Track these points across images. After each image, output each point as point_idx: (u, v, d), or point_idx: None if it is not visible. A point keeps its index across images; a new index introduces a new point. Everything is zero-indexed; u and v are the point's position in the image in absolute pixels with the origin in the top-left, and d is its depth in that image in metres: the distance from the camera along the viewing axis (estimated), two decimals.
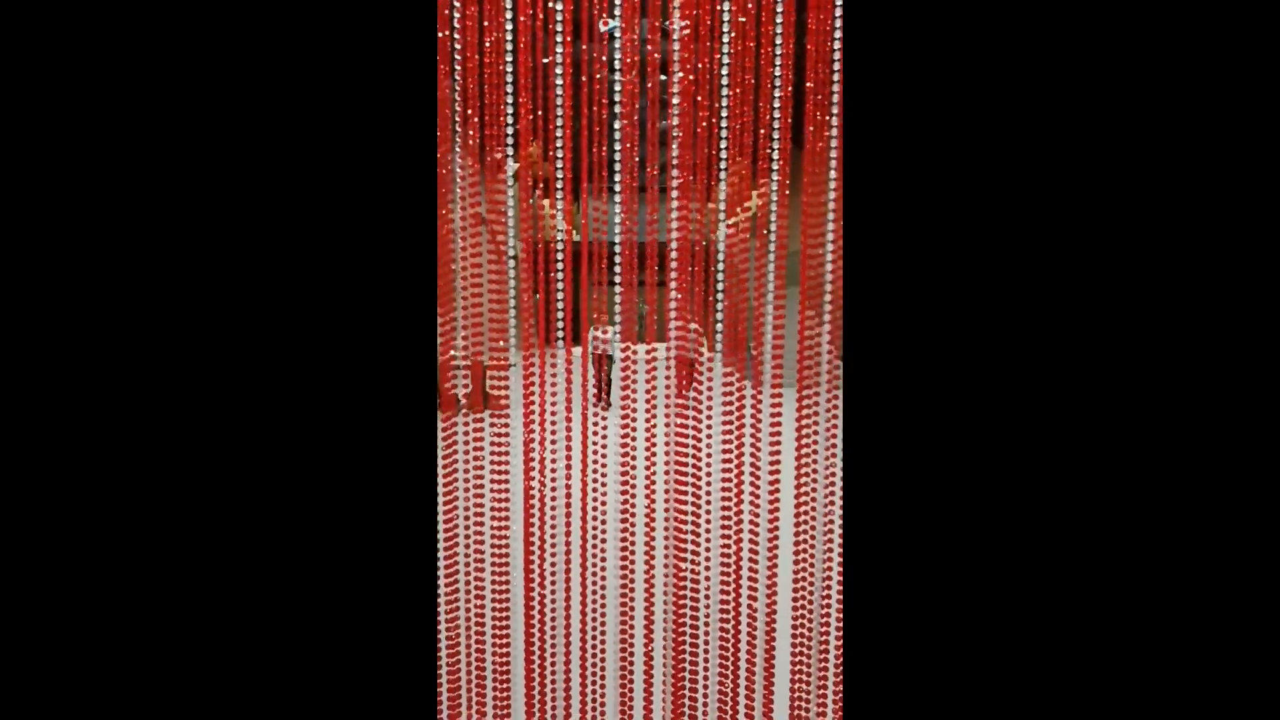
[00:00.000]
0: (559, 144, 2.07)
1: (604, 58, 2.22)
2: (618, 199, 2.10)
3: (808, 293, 2.24)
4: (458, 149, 2.16)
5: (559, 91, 2.09)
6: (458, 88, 2.11)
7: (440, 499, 2.22)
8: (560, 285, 2.14)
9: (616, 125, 2.13)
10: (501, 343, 2.17)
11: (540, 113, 2.16)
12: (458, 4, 2.10)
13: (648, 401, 2.28)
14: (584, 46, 2.22)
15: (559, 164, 2.24)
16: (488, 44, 2.12)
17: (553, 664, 2.33)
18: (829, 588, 2.32)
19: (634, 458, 2.30)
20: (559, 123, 2.09)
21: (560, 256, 2.19)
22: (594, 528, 2.38)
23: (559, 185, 2.18)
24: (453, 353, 2.09)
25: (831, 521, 2.25)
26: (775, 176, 2.16)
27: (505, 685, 2.29)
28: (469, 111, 2.15)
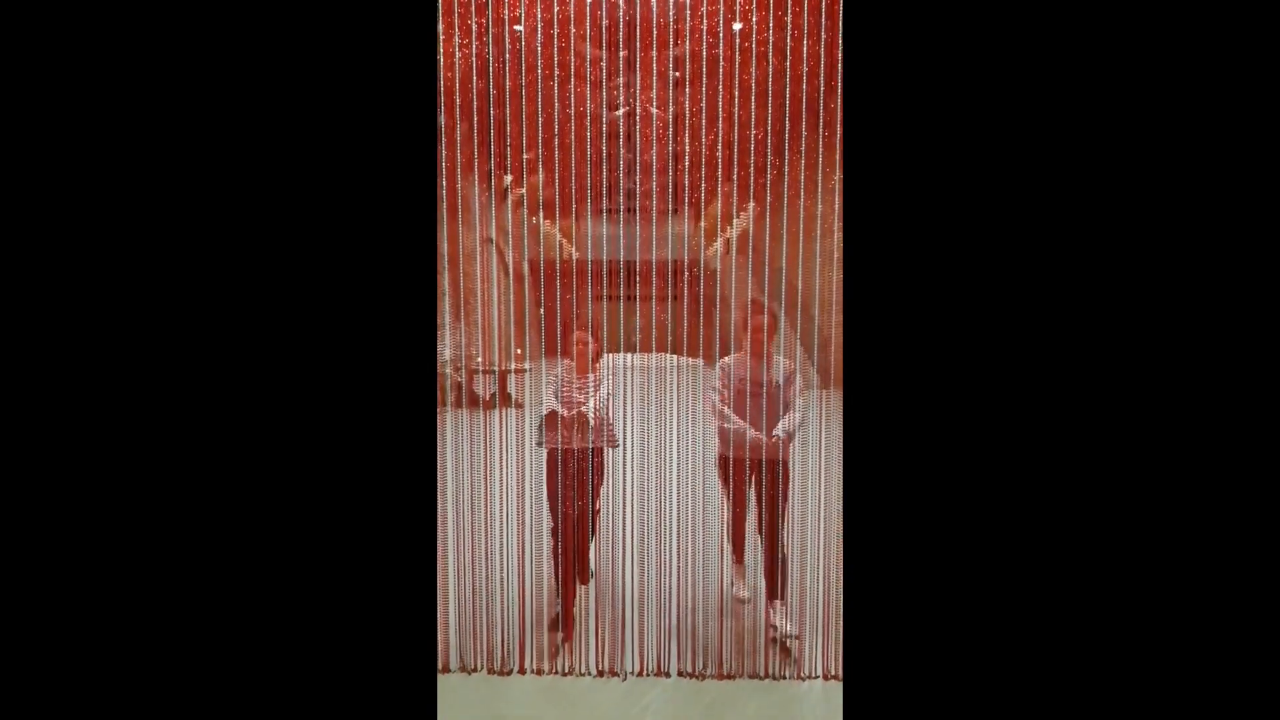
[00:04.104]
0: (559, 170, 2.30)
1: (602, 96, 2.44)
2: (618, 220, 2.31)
3: (788, 307, 2.46)
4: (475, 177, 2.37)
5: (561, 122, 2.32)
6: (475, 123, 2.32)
7: (489, 482, 2.40)
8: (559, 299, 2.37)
9: (618, 154, 2.35)
10: (519, 350, 2.39)
11: (541, 145, 2.39)
12: (460, 45, 2.33)
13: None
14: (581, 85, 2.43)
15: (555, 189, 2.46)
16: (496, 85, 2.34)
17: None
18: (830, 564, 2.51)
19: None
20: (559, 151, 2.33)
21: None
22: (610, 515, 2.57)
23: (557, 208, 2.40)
24: (478, 358, 2.30)
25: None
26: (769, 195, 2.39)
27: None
28: (476, 143, 2.36)
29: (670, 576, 2.51)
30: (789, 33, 2.31)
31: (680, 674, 2.49)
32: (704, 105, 2.39)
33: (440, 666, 2.49)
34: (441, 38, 2.29)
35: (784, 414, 2.60)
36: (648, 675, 2.49)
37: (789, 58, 2.34)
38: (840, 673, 2.50)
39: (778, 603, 2.60)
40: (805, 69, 2.34)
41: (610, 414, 2.61)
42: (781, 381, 2.62)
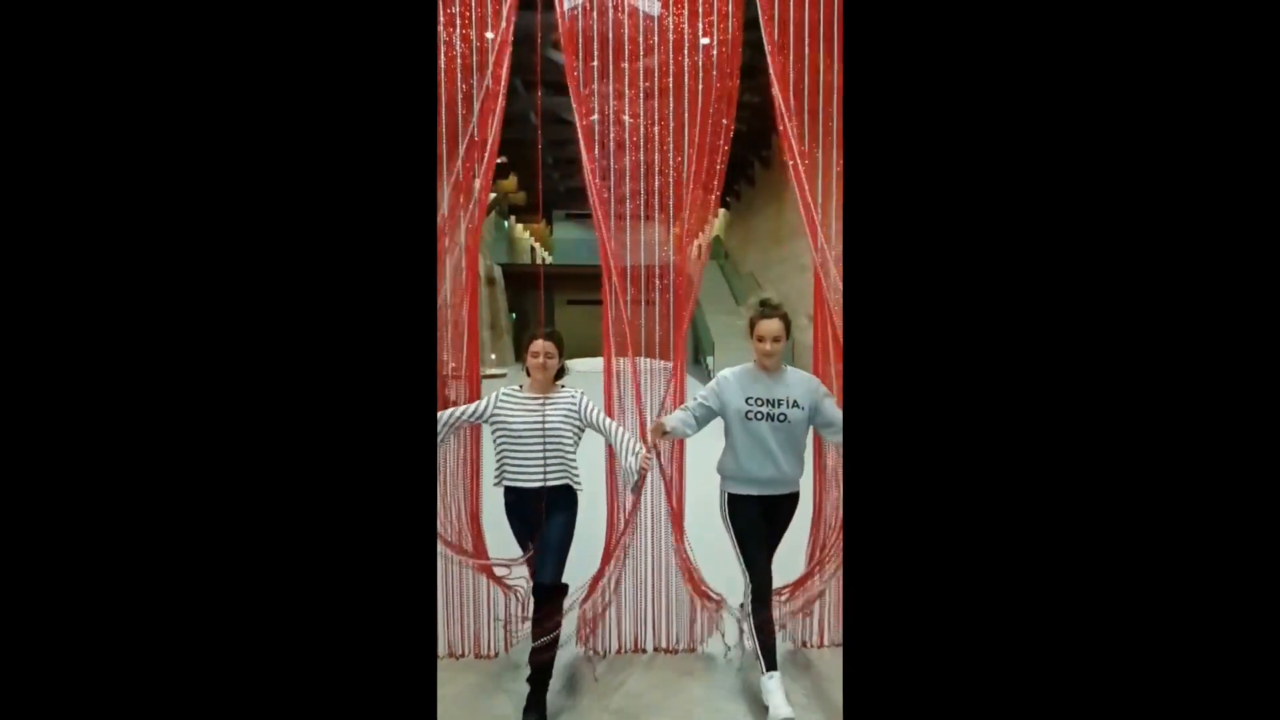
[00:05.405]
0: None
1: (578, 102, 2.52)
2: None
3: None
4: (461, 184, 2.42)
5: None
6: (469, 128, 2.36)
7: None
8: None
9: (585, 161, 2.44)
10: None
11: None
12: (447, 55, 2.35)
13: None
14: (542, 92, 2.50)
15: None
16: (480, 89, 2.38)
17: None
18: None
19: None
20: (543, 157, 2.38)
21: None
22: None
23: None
24: (453, 365, 2.37)
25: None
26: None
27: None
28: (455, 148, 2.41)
29: (646, 565, 2.69)
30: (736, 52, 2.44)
31: (656, 649, 2.70)
32: (671, 116, 2.50)
33: None
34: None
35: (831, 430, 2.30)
36: (625, 653, 2.69)
37: (739, 74, 2.47)
38: (821, 641, 2.76)
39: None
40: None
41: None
42: (801, 399, 2.25)
